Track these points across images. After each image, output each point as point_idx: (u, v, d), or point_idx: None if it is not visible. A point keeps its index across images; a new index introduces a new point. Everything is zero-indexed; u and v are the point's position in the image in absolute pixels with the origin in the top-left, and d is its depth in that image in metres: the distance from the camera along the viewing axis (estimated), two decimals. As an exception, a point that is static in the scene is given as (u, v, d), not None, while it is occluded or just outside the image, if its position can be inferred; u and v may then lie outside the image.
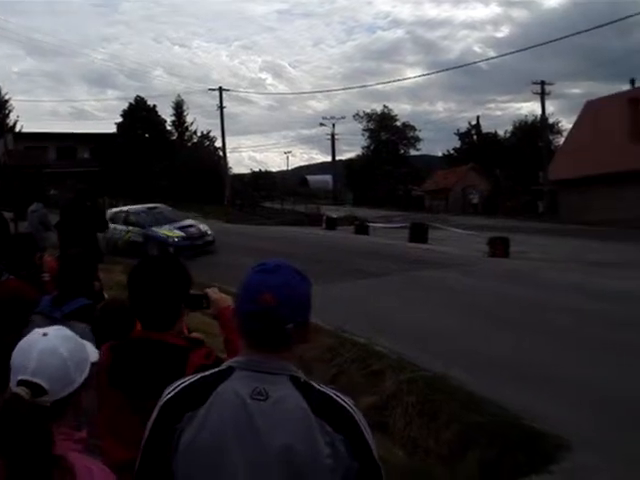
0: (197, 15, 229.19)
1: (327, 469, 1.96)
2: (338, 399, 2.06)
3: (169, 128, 74.80)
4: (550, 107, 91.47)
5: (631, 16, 53.37)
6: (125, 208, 29.58)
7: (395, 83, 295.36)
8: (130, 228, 26.75)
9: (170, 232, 26.03)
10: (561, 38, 69.61)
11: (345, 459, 1.98)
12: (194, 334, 3.58)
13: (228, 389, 2.04)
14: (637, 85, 48.56)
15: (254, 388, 2.01)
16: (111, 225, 25.57)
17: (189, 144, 74.51)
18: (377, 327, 12.03)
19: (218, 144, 70.36)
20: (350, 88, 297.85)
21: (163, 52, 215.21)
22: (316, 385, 2.08)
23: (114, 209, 29.83)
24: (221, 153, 67.44)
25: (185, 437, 2.04)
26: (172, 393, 2.14)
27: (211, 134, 74.96)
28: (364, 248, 26.13)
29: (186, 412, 2.06)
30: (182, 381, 2.16)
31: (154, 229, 26.31)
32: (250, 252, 22.07)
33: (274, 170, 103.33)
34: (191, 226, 27.24)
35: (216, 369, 2.14)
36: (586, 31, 69.51)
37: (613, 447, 6.91)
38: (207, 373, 2.14)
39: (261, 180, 77.63)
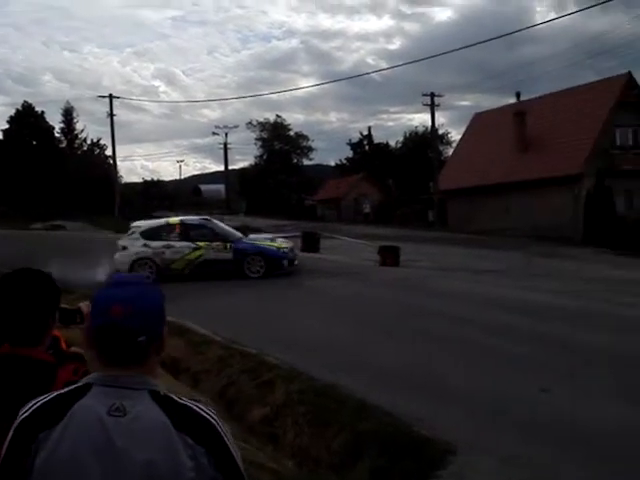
0: (89, 20, 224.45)
1: None
2: (200, 411, 2.02)
3: (58, 135, 73.02)
4: (441, 118, 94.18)
5: (517, 31, 54.94)
6: (174, 220, 23.55)
7: (289, 93, 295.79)
8: (202, 244, 21.71)
9: (276, 243, 22.64)
10: (450, 51, 71.15)
11: (208, 471, 1.95)
12: (73, 348, 3.46)
13: (85, 406, 1.96)
14: (522, 99, 50.07)
15: (111, 404, 1.94)
16: (151, 243, 21.52)
17: (79, 152, 72.91)
18: (268, 337, 12.00)
19: (109, 152, 69.08)
20: (244, 97, 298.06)
21: (53, 57, 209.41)
22: (177, 398, 2.04)
23: (143, 222, 23.60)
24: (112, 161, 66.14)
25: (40, 457, 1.95)
26: (27, 413, 2.04)
27: (102, 142, 73.61)
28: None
29: (41, 432, 1.97)
30: (37, 400, 2.07)
31: (248, 241, 22.46)
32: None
33: (167, 179, 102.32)
34: (275, 237, 24.57)
35: (72, 386, 2.06)
36: (474, 45, 71.30)
37: (496, 449, 7.07)
38: (64, 390, 2.06)
39: (153, 189, 76.60)
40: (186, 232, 22.06)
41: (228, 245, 21.52)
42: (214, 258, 21.29)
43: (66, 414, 1.96)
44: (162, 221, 23.83)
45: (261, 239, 23.11)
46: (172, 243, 21.56)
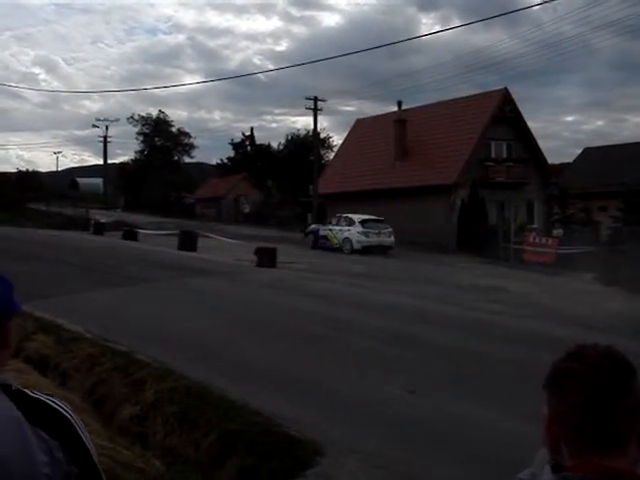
0: None
1: (45, 477, 1.91)
2: (54, 405, 2.00)
3: None
4: (324, 122, 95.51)
5: (401, 41, 56.18)
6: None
7: (173, 88, 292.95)
8: None
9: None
10: (337, 56, 72.42)
11: (63, 465, 1.93)
12: None
13: None
14: (404, 107, 50.99)
15: None
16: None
17: (-52, 139, 70.10)
18: (141, 335, 11.88)
19: (-19, 140, 66.48)
20: (127, 90, 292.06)
21: None
22: (30, 392, 2.00)
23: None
24: (-16, 150, 63.77)
25: None
26: None
27: (-26, 129, 70.90)
28: (131, 255, 25.71)
29: None
30: None
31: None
32: (16, 257, 21.17)
33: (43, 170, 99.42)
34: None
35: None
36: (360, 52, 72.37)
37: (364, 449, 7.23)
38: None
39: (28, 180, 74.33)
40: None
41: None
42: None
43: None
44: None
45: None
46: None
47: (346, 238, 35.93)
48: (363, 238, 35.30)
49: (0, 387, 1.94)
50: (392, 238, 36.05)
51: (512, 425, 7.71)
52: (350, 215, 37.44)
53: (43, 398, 2.01)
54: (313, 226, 39.76)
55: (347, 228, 36.27)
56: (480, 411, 8.51)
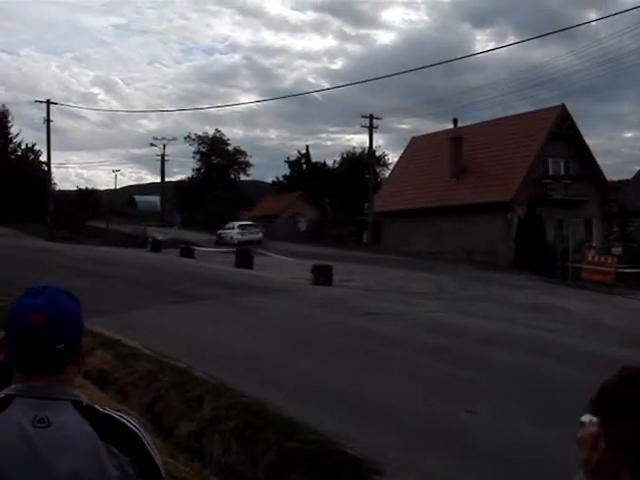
0: (27, 22, 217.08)
1: None
2: (124, 421, 2.03)
3: (-9, 139, 71.30)
4: (379, 140, 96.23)
5: (457, 59, 56.07)
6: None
7: (229, 107, 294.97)
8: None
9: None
10: (391, 75, 72.56)
11: None
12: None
13: (7, 418, 1.93)
14: (460, 125, 50.78)
15: (34, 415, 1.92)
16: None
17: (12, 157, 71.36)
18: (199, 353, 11.94)
19: (44, 158, 67.65)
20: (184, 110, 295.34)
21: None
22: (100, 408, 2.03)
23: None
24: (46, 168, 64.84)
25: None
26: None
27: (36, 148, 72.12)
28: (188, 272, 25.91)
29: None
30: None
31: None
32: (77, 273, 21.50)
33: (102, 188, 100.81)
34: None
35: None
36: (416, 69, 72.39)
37: (422, 469, 7.16)
38: None
39: (87, 198, 75.64)
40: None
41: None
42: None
43: None
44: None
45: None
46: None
47: (231, 236, 54.51)
48: (239, 236, 53.84)
49: (72, 403, 1.97)
50: (260, 235, 55.55)
51: (575, 447, 7.56)
52: (234, 222, 58.43)
53: (114, 414, 2.04)
54: (219, 231, 57.78)
55: (231, 230, 55.92)
56: (542, 432, 8.36)
